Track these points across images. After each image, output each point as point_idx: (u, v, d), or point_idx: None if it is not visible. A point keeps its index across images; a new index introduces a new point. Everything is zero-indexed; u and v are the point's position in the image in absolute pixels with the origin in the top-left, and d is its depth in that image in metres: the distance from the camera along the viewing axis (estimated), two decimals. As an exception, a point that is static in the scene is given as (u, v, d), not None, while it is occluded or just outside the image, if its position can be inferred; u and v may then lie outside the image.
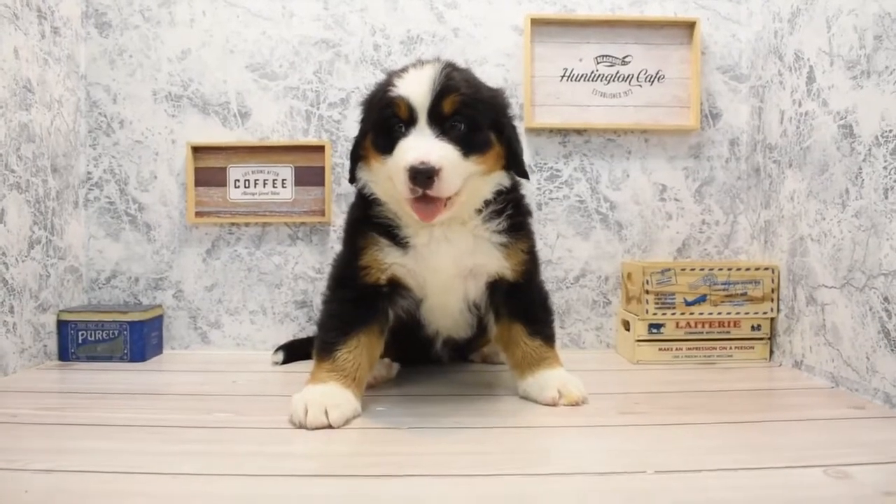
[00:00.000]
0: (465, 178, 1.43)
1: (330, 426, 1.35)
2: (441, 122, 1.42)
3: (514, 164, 1.56)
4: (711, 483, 1.09)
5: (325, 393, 1.41)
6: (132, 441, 1.30)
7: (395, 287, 1.56)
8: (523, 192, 1.66)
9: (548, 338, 1.64)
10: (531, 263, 1.64)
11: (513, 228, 1.58)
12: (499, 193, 1.55)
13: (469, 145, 1.44)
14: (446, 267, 1.53)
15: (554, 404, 1.53)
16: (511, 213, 1.58)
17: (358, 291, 1.54)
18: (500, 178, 1.56)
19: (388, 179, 1.46)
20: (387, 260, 1.53)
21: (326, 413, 1.36)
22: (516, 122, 1.61)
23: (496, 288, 1.60)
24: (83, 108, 2.19)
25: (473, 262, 1.55)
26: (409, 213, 1.44)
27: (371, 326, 1.52)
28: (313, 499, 1.04)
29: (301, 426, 1.36)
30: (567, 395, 1.54)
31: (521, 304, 1.62)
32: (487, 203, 1.54)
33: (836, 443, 1.29)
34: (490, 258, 1.56)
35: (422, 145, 1.38)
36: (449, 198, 1.40)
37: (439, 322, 1.67)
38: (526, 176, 1.59)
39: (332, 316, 1.55)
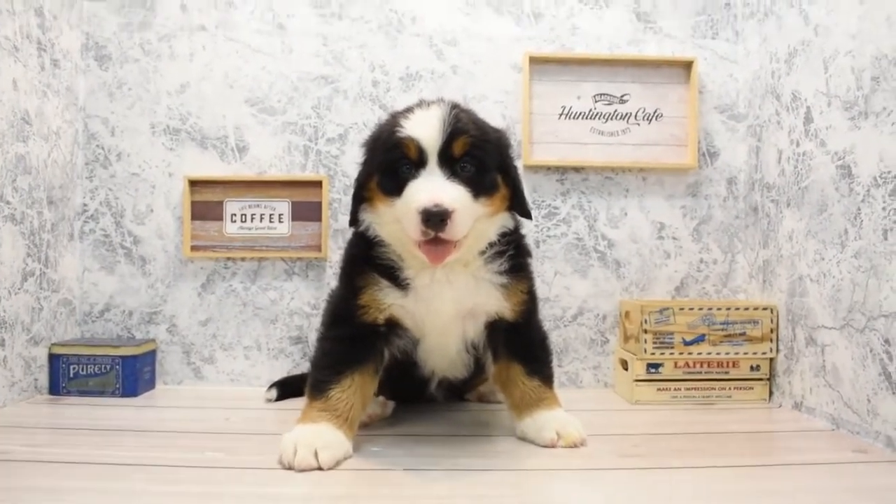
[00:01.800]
0: (474, 219, 1.42)
1: (319, 468, 1.32)
2: (451, 163, 1.41)
3: (517, 204, 1.56)
4: (713, 530, 1.07)
5: (316, 433, 1.38)
6: (120, 480, 1.28)
7: (393, 327, 1.54)
8: (523, 231, 1.65)
9: (546, 378, 1.61)
10: (531, 303, 1.62)
11: (513, 269, 1.56)
12: (503, 235, 1.54)
13: (478, 187, 1.43)
14: (446, 308, 1.52)
15: (552, 446, 1.50)
16: (512, 254, 1.56)
17: (354, 330, 1.51)
18: (505, 220, 1.55)
19: (394, 222, 1.45)
20: (386, 300, 1.51)
21: (316, 455, 1.33)
22: (516, 161, 1.61)
23: (495, 328, 1.58)
24: (81, 140, 2.19)
25: (473, 303, 1.54)
26: (416, 255, 1.43)
27: (366, 366, 1.50)
28: (306, 544, 1.02)
29: (290, 467, 1.32)
30: (566, 436, 1.51)
31: (519, 343, 1.59)
32: (491, 244, 1.53)
33: (838, 488, 1.27)
34: (490, 298, 1.54)
35: (434, 187, 1.37)
36: (458, 240, 1.39)
37: (436, 362, 1.65)
38: (529, 216, 1.59)
39: (326, 354, 1.53)
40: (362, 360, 1.49)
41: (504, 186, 1.51)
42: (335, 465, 1.35)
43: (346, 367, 1.47)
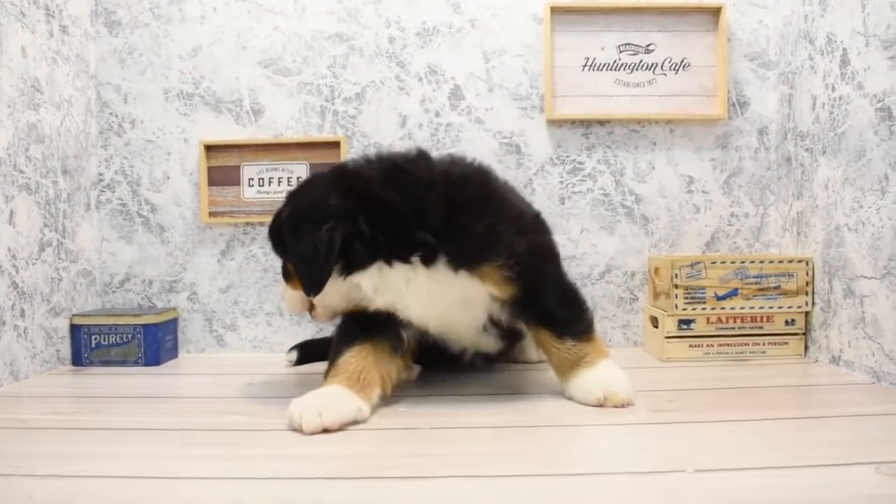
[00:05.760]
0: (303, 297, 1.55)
1: (326, 430, 1.28)
2: None
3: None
4: (756, 482, 1.02)
5: (322, 395, 1.35)
6: (142, 444, 1.25)
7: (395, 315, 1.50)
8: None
9: (578, 333, 1.51)
10: (526, 274, 1.47)
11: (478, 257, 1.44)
12: None
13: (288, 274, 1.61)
14: (430, 312, 1.48)
15: (601, 406, 1.44)
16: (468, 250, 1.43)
17: (368, 311, 1.48)
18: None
19: None
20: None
21: (320, 414, 1.29)
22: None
23: (504, 304, 1.51)
24: (93, 108, 2.16)
25: (461, 299, 1.47)
26: None
27: (381, 340, 1.46)
28: (328, 503, 0.98)
29: (299, 430, 1.28)
30: (611, 397, 1.44)
31: (538, 309, 1.51)
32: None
33: (885, 439, 1.21)
34: (479, 290, 1.47)
35: None
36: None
37: (460, 342, 1.62)
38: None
39: (342, 333, 1.52)
40: (375, 334, 1.46)
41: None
42: (342, 426, 1.30)
43: (358, 336, 1.45)
